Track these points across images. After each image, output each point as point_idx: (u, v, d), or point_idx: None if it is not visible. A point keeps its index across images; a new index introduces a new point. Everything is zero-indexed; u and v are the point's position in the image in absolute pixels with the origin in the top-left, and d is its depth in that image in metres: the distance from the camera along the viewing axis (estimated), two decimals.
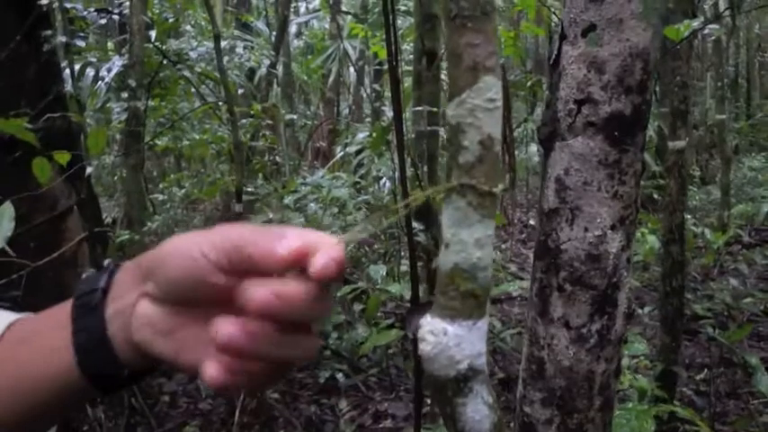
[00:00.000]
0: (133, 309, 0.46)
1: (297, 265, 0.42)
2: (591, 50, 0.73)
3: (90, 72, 5.83)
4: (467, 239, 0.59)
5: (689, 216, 6.02)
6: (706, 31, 2.05)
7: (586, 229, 0.76)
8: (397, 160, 2.50)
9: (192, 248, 0.44)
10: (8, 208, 1.21)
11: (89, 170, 2.13)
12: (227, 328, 0.41)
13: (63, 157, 1.55)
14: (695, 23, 1.49)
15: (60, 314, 0.48)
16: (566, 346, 0.79)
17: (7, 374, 0.48)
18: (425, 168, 4.01)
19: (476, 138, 0.58)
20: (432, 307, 0.68)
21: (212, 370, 0.42)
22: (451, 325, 0.61)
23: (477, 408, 0.63)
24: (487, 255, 0.60)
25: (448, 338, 0.61)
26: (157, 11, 5.16)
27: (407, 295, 2.79)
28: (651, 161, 7.59)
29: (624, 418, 1.07)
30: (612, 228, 0.76)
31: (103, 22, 4.97)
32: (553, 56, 0.77)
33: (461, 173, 0.59)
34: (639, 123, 0.75)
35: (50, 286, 3.30)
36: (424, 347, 0.61)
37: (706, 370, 3.81)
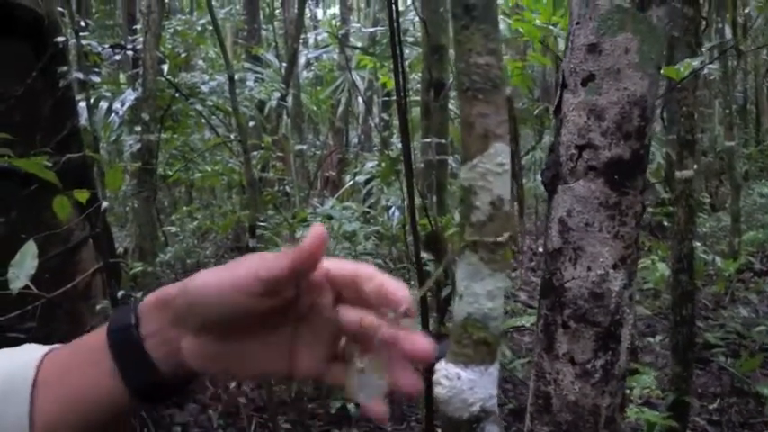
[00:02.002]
0: (178, 345, 0.51)
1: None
2: (590, 99, 0.77)
3: (103, 105, 5.93)
4: (479, 291, 0.63)
5: (699, 244, 5.99)
6: (705, 71, 2.09)
7: (589, 269, 0.79)
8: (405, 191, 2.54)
9: (223, 286, 0.49)
10: (31, 246, 1.25)
11: (104, 205, 2.18)
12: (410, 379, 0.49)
13: (82, 196, 1.60)
14: (695, 62, 1.53)
15: (93, 350, 0.53)
16: (571, 381, 0.81)
17: (57, 407, 0.53)
18: (435, 198, 4.04)
19: (487, 199, 0.63)
20: (442, 339, 0.72)
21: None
22: (465, 370, 0.65)
23: None
24: (498, 305, 0.64)
25: (462, 383, 0.65)
26: (170, 46, 5.26)
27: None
28: (660, 188, 7.58)
29: None
30: (614, 267, 0.79)
31: (118, 57, 5.07)
32: (555, 103, 0.80)
33: (474, 231, 0.64)
34: (639, 167, 0.78)
35: (64, 317, 3.34)
36: (440, 391, 0.66)
37: (719, 399, 3.78)
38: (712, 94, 10.89)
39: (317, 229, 0.47)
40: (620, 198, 0.78)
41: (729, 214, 6.88)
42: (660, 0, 0.75)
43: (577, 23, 0.78)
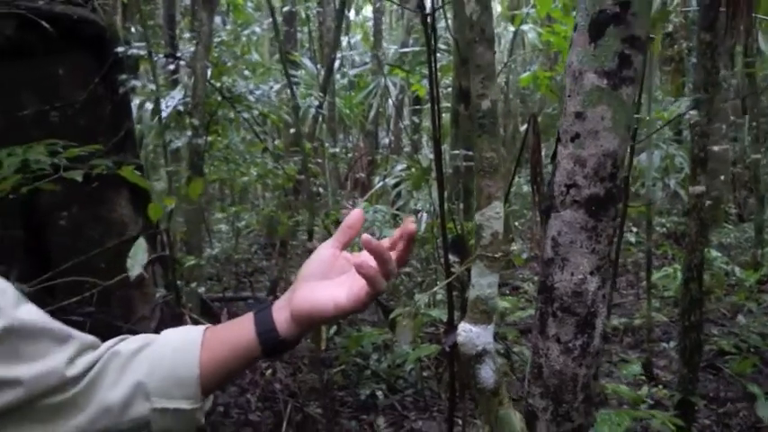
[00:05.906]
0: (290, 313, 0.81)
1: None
2: (576, 151, 1.06)
3: (149, 106, 6.27)
4: (483, 283, 0.99)
5: (719, 254, 6.12)
6: (688, 114, 2.31)
7: (572, 274, 1.09)
8: (435, 196, 2.81)
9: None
10: (142, 243, 1.55)
11: (170, 206, 2.49)
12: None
13: (170, 201, 1.90)
14: (683, 106, 1.77)
15: (243, 326, 0.82)
16: (557, 356, 1.11)
17: (221, 360, 0.79)
18: (461, 204, 4.28)
19: (489, 232, 1.00)
20: (453, 330, 1.12)
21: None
22: (474, 327, 1.05)
23: (487, 370, 1.07)
24: (494, 291, 1.00)
25: (472, 334, 1.06)
26: (216, 54, 5.58)
27: (445, 318, 3.08)
28: (686, 198, 7.65)
29: (607, 415, 1.37)
30: (591, 273, 1.09)
31: (172, 67, 5.41)
32: (551, 153, 1.10)
33: (482, 249, 1.01)
34: (611, 201, 1.08)
35: (118, 304, 3.66)
36: (459, 339, 1.04)
37: (728, 404, 3.95)
38: (745, 105, 10.87)
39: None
40: (596, 224, 1.07)
41: (754, 226, 6.96)
42: (629, 81, 1.03)
43: (569, 96, 1.07)
